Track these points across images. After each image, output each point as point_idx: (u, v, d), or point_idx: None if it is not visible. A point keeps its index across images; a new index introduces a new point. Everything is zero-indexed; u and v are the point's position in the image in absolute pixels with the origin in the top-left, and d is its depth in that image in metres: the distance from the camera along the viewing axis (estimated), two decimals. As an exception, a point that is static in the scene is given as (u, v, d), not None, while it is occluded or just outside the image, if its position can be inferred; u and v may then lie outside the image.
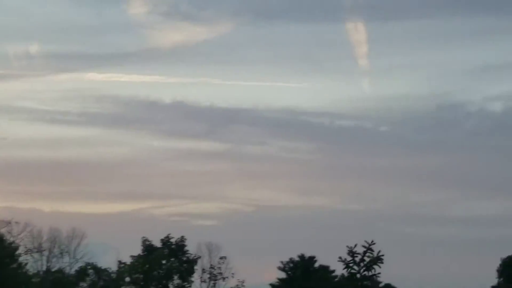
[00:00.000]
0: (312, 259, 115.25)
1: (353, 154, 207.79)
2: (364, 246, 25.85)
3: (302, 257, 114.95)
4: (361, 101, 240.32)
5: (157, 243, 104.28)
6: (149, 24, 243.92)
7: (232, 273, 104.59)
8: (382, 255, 25.87)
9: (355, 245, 25.52)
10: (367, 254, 25.91)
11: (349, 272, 25.90)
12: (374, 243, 25.12)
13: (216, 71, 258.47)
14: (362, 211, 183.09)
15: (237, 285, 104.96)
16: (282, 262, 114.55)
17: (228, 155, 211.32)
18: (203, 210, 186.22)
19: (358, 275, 25.76)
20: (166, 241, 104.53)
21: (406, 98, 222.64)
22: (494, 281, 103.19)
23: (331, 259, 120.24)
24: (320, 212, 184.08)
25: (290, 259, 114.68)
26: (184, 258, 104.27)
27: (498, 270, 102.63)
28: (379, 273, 26.42)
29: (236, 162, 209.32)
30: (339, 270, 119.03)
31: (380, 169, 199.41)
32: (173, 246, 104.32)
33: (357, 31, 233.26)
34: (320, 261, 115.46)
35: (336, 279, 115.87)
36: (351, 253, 26.15)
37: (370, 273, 25.93)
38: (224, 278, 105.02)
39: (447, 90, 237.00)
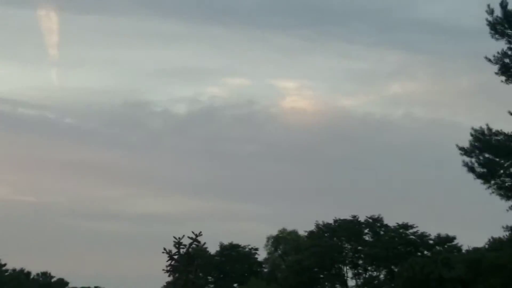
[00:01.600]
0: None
1: (34, 145, 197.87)
2: (190, 238, 25.44)
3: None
4: (47, 91, 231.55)
5: None
6: None
7: None
8: (206, 247, 25.82)
9: (183, 236, 25.05)
10: (193, 245, 25.63)
11: (171, 264, 25.27)
12: (201, 235, 24.92)
13: None
14: (38, 204, 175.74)
15: None
16: None
17: None
18: None
19: (182, 268, 25.28)
20: None
21: (93, 92, 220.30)
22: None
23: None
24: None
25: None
26: None
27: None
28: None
29: None
30: (12, 266, 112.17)
31: (61, 161, 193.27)
32: None
33: (49, 20, 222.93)
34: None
35: (7, 273, 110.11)
36: (178, 244, 25.58)
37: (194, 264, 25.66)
38: None
39: (135, 88, 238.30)
